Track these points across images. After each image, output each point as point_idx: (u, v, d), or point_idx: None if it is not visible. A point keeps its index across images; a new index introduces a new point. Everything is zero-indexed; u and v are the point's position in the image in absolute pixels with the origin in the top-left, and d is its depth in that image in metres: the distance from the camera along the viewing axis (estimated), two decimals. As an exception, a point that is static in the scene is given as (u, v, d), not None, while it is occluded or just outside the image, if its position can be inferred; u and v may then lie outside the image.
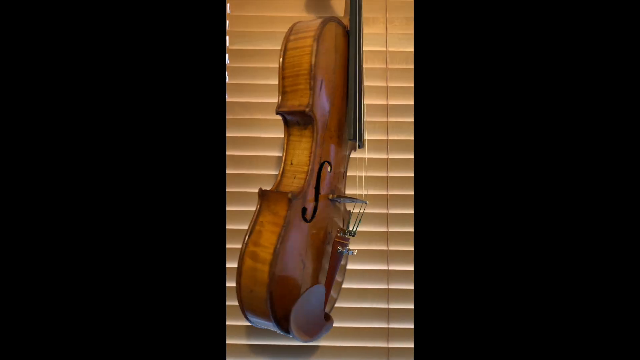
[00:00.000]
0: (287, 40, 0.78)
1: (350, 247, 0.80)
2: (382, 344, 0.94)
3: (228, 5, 1.04)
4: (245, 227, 0.96)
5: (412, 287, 0.95)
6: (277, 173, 0.98)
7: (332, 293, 0.83)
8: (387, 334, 0.94)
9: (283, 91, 0.76)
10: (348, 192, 0.89)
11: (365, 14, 1.01)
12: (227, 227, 0.97)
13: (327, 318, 0.78)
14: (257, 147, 1.00)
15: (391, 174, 0.98)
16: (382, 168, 0.98)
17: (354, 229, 0.82)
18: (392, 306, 0.95)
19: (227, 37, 1.03)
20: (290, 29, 0.79)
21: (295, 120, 0.77)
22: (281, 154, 0.99)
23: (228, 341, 0.94)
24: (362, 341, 0.94)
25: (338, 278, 0.84)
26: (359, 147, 0.83)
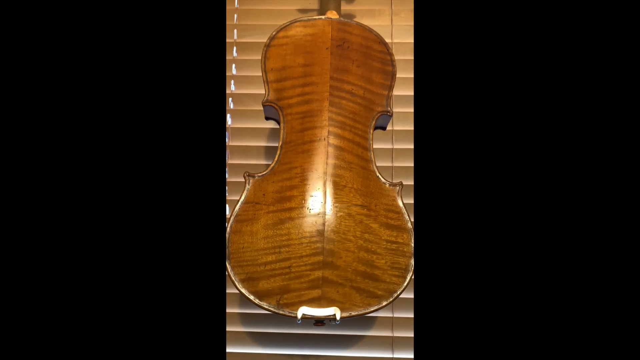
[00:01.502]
0: (386, 44, 0.84)
1: None
2: (387, 333, 0.94)
3: (236, 0, 1.06)
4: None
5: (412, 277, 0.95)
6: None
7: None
8: (392, 323, 0.94)
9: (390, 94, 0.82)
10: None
11: (372, 6, 1.03)
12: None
13: None
14: (263, 138, 1.02)
15: (396, 164, 0.99)
16: (387, 158, 0.99)
17: None
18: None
19: (235, 31, 1.05)
20: (379, 36, 0.84)
21: (378, 120, 0.83)
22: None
23: (228, 328, 0.96)
24: (366, 330, 0.95)
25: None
26: None
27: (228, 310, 0.95)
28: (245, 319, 0.96)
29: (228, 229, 0.72)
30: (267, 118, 0.85)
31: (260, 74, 1.02)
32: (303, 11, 1.04)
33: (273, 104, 0.80)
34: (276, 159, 0.77)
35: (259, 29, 1.05)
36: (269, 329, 0.95)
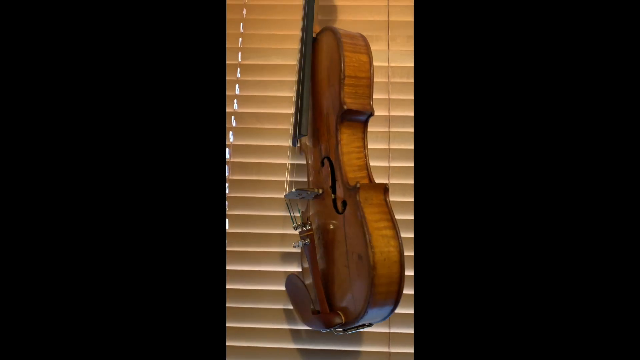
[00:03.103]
0: None
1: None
2: (383, 349, 0.94)
3: (241, 25, 1.12)
4: (247, 230, 1.01)
5: (411, 292, 0.96)
6: (283, 180, 1.02)
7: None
8: (388, 338, 0.95)
9: None
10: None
11: (370, 32, 1.08)
12: (231, 230, 1.01)
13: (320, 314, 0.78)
14: (264, 155, 1.05)
15: (392, 181, 1.01)
16: (384, 175, 1.02)
17: (294, 223, 0.85)
18: (393, 311, 0.96)
19: (240, 53, 1.10)
20: None
21: None
22: (286, 161, 1.03)
23: (228, 343, 0.96)
24: (363, 345, 0.95)
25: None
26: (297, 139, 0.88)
27: (228, 324, 0.95)
28: (242, 333, 0.96)
29: (399, 254, 0.71)
30: (344, 116, 0.79)
31: (264, 94, 1.06)
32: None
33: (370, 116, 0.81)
34: (367, 174, 0.79)
35: (262, 52, 1.09)
36: (264, 344, 0.96)
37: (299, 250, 0.95)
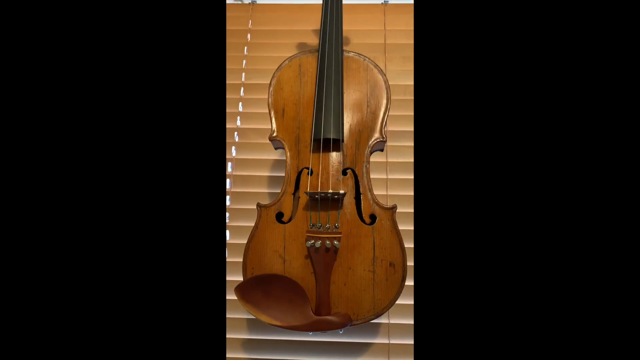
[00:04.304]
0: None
1: (335, 241, 0.79)
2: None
3: (245, 48, 1.18)
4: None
5: (411, 302, 0.96)
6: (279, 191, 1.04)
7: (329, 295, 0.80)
8: (388, 349, 0.93)
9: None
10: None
11: (368, 53, 1.13)
12: (231, 241, 1.02)
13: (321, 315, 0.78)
14: (265, 169, 1.08)
15: (390, 192, 1.03)
16: (382, 187, 1.04)
17: (311, 222, 0.83)
18: (392, 321, 0.95)
19: (243, 74, 1.15)
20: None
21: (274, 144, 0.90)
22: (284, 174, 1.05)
23: (228, 355, 0.95)
24: (362, 357, 0.93)
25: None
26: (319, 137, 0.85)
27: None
28: (242, 345, 0.95)
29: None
30: (377, 143, 0.87)
31: (265, 111, 1.11)
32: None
33: None
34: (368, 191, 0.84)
35: (263, 72, 1.15)
36: (265, 356, 0.95)
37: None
